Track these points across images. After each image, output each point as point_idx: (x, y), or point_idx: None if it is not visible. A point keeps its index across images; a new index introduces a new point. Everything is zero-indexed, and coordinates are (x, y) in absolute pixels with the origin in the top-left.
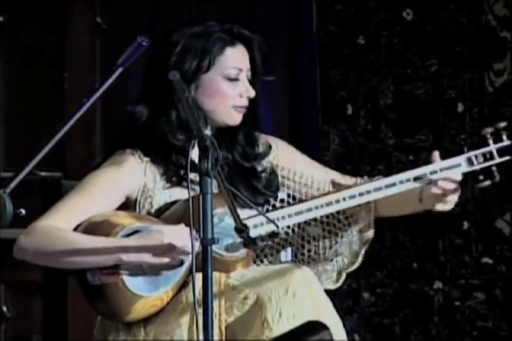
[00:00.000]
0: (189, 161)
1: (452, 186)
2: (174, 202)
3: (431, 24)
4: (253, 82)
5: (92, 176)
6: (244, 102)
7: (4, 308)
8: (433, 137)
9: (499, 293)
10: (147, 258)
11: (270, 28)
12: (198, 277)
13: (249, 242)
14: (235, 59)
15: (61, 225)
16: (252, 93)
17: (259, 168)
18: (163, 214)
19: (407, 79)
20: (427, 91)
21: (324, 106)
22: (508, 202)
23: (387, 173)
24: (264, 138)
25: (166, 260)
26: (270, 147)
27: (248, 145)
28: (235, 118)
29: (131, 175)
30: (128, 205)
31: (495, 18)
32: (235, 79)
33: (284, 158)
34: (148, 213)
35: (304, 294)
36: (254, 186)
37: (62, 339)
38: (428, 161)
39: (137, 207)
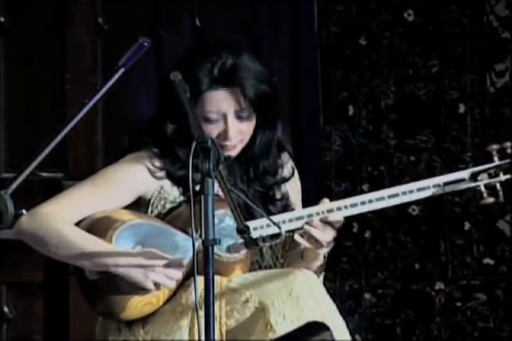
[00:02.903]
0: (191, 163)
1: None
2: (180, 205)
3: (432, 25)
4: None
5: (107, 172)
6: (223, 142)
7: (6, 309)
8: (434, 138)
9: (501, 294)
10: (133, 273)
11: (271, 28)
12: (199, 280)
13: (250, 243)
14: (215, 103)
15: (64, 215)
16: (230, 134)
17: (278, 195)
18: (168, 216)
19: (409, 79)
20: (428, 92)
21: (325, 106)
22: (509, 203)
23: (389, 174)
24: (290, 163)
25: (149, 284)
26: (293, 173)
27: (269, 173)
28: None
29: (148, 177)
30: (140, 205)
31: (496, 19)
32: (215, 121)
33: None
34: (159, 214)
35: (308, 297)
36: (270, 210)
37: (64, 339)
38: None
39: (150, 207)
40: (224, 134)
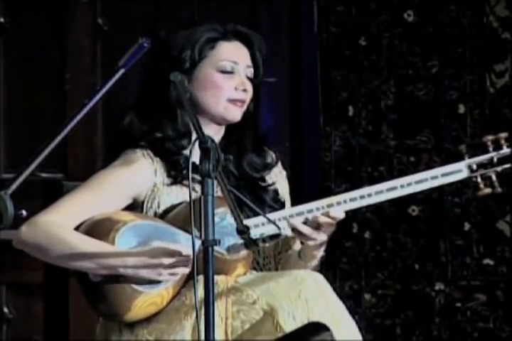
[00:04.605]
0: (190, 163)
1: (329, 222)
2: (179, 204)
3: (432, 25)
4: (254, 82)
5: (101, 175)
6: (240, 95)
7: (5, 309)
8: (434, 138)
9: (500, 295)
10: (143, 273)
11: (271, 29)
12: (200, 279)
13: (250, 243)
14: (229, 52)
15: (64, 222)
16: (248, 86)
17: (269, 181)
18: (167, 215)
19: (409, 80)
20: (428, 92)
21: (325, 107)
22: (509, 204)
23: (389, 174)
24: (271, 153)
25: (163, 277)
26: (278, 160)
27: (257, 155)
28: (232, 113)
29: (142, 177)
30: (135, 206)
31: (496, 20)
32: (230, 72)
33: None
34: (155, 214)
35: (317, 298)
36: (262, 198)
37: (64, 339)
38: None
39: (144, 207)
40: (242, 85)
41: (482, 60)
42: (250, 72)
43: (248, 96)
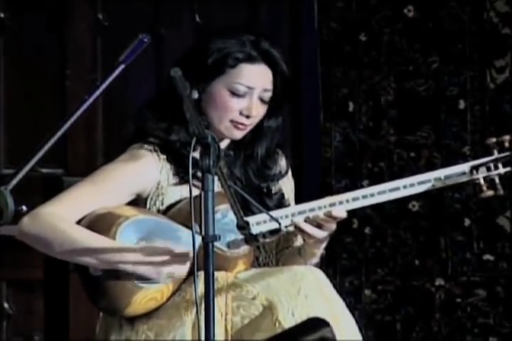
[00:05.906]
0: (191, 159)
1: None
2: (181, 200)
3: (432, 21)
4: (271, 105)
5: (106, 170)
6: (243, 120)
7: (6, 305)
8: (434, 134)
9: (500, 290)
10: (143, 270)
11: (271, 25)
12: (201, 275)
13: (250, 239)
14: (248, 77)
15: (66, 215)
16: (253, 113)
17: (273, 189)
18: (169, 211)
19: (409, 76)
20: (428, 88)
21: (326, 103)
22: (509, 199)
23: (389, 170)
24: (284, 161)
25: (161, 276)
26: (287, 171)
27: (264, 165)
28: (231, 133)
29: (147, 174)
30: (139, 202)
31: (496, 15)
32: (241, 96)
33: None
34: (158, 211)
35: (317, 295)
36: (266, 204)
37: (64, 336)
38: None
39: (148, 203)
40: (247, 111)
41: (482, 55)
42: (267, 95)
43: (252, 121)
